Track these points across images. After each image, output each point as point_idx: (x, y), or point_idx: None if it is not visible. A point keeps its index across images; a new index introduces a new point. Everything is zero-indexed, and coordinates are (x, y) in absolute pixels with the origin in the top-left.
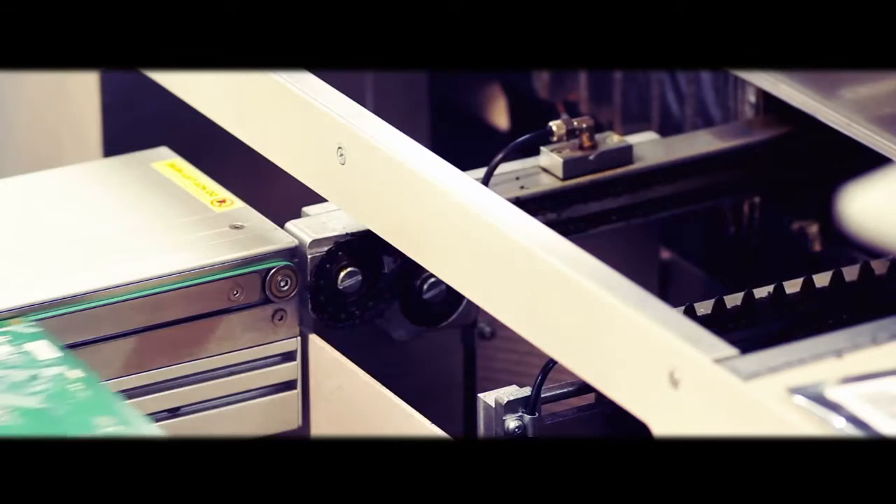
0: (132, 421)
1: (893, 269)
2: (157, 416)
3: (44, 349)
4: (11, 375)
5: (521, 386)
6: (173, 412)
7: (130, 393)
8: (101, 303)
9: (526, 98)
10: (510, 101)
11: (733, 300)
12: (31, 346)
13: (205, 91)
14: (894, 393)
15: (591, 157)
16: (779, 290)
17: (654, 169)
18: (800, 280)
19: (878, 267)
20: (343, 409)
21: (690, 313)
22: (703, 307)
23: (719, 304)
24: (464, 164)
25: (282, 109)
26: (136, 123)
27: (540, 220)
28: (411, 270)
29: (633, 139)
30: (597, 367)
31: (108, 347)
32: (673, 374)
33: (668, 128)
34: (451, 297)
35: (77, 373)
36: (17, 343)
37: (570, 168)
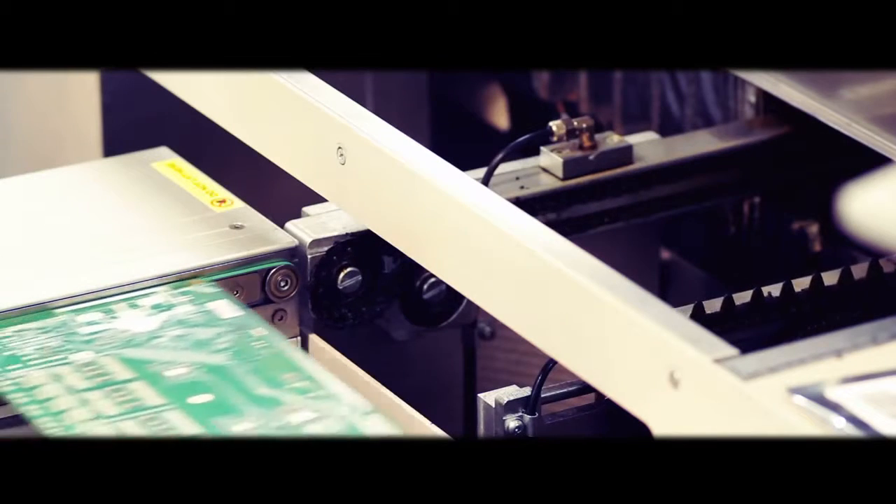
0: (317, 377)
1: (893, 269)
2: None
3: (225, 308)
4: (196, 333)
5: (521, 386)
6: None
7: None
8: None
9: (526, 98)
10: (510, 101)
11: (732, 300)
12: (213, 305)
13: (205, 91)
14: (894, 393)
15: (591, 157)
16: (787, 288)
17: (654, 169)
18: (803, 279)
19: (878, 267)
20: None
21: (699, 312)
22: (708, 306)
23: (726, 303)
24: (464, 164)
25: (282, 109)
26: (136, 123)
27: (540, 220)
28: (411, 270)
29: (633, 139)
30: (597, 367)
31: None
32: (673, 374)
33: (668, 128)
34: (451, 297)
35: (260, 331)
36: (199, 302)
37: (570, 168)
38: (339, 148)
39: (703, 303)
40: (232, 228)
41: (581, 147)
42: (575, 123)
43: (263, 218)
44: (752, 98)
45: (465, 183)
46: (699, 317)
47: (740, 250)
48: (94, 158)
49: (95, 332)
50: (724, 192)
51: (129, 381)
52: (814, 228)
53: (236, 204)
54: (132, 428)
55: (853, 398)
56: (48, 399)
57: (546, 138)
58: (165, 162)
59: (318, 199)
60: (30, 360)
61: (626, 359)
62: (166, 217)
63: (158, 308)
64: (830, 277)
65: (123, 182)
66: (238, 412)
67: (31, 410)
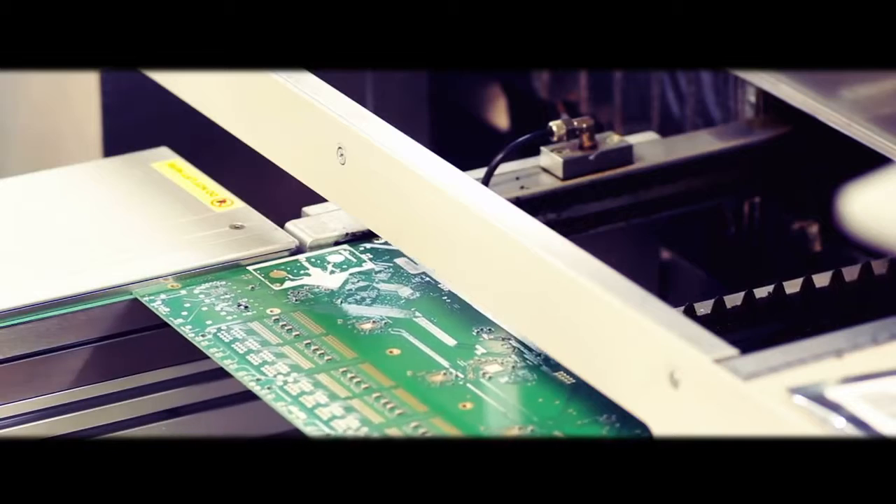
0: (506, 328)
1: (893, 268)
2: (156, 416)
3: (407, 264)
4: (383, 288)
5: None
6: (173, 412)
7: (130, 393)
8: (101, 303)
9: (526, 98)
10: (510, 101)
11: (733, 300)
12: (397, 262)
13: (205, 91)
14: (894, 393)
15: (591, 157)
16: (779, 290)
17: (654, 169)
18: (800, 280)
19: (878, 267)
20: None
21: (690, 313)
22: (704, 307)
23: (719, 304)
24: (464, 164)
25: (282, 109)
26: (136, 123)
27: (540, 220)
28: None
29: (633, 139)
30: (597, 367)
31: (109, 347)
32: (673, 374)
33: (668, 128)
34: None
35: (446, 285)
36: (382, 259)
37: (570, 168)
38: (339, 148)
39: (695, 305)
40: (232, 228)
41: (581, 147)
42: (575, 123)
43: (263, 218)
44: (752, 98)
45: (465, 183)
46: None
47: (740, 250)
48: (94, 158)
49: (285, 289)
50: (724, 192)
51: (322, 335)
52: (814, 228)
53: (236, 204)
54: (329, 382)
55: (853, 398)
56: (247, 353)
57: (546, 138)
58: (165, 162)
59: (318, 199)
60: (224, 316)
61: (626, 359)
62: (166, 217)
63: (345, 265)
64: (825, 279)
65: (123, 182)
66: (433, 365)
67: (229, 365)
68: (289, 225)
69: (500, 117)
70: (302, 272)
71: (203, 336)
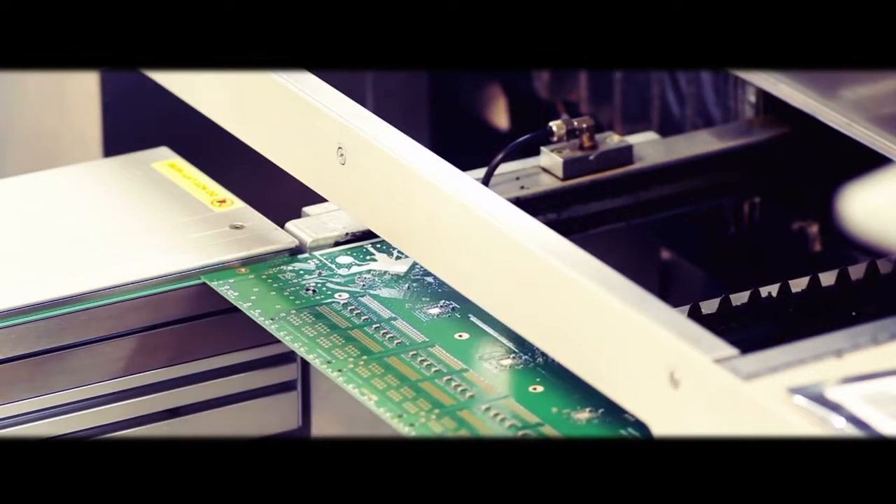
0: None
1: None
2: (157, 416)
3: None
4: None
5: None
6: (173, 412)
7: (131, 393)
8: (101, 303)
9: (526, 98)
10: (510, 101)
11: (737, 299)
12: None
13: (205, 91)
14: (894, 393)
15: (591, 157)
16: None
17: (654, 169)
18: (802, 280)
19: (883, 267)
20: (343, 409)
21: (695, 313)
22: (708, 307)
23: (724, 303)
24: (464, 164)
25: (282, 109)
26: (136, 123)
27: (540, 220)
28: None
29: (633, 139)
30: (597, 367)
31: (109, 347)
32: (673, 374)
33: (668, 128)
34: None
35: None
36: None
37: (570, 168)
38: (339, 148)
39: (701, 303)
40: (232, 228)
41: (581, 147)
42: (575, 123)
43: (263, 218)
44: (752, 98)
45: (465, 183)
46: (698, 317)
47: (740, 250)
48: (94, 158)
49: (352, 274)
50: (724, 192)
51: (391, 319)
52: (814, 228)
53: (236, 204)
54: (399, 365)
55: (853, 398)
56: (317, 336)
57: (546, 138)
58: (165, 162)
59: (318, 199)
60: (292, 300)
61: (626, 359)
62: (166, 217)
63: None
64: (829, 278)
65: (123, 182)
66: (501, 348)
67: (300, 348)
68: (289, 225)
69: (500, 117)
70: (368, 257)
71: (272, 320)
